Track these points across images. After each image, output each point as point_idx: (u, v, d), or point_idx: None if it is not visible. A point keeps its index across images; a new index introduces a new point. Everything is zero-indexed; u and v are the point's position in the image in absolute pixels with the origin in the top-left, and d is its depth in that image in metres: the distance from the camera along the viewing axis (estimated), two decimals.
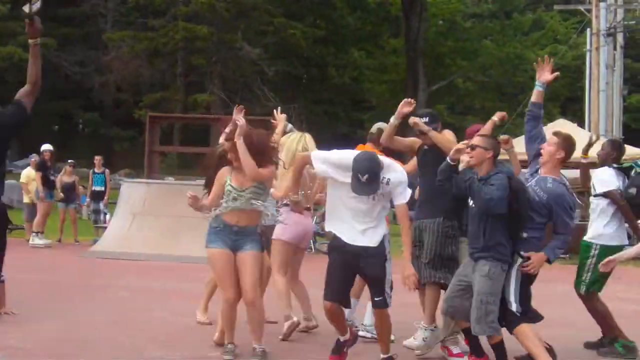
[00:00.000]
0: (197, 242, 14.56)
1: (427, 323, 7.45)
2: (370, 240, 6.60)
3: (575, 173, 19.29)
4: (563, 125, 20.70)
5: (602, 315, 7.87)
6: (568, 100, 46.05)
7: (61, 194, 18.51)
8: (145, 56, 38.42)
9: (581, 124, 26.45)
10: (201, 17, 36.45)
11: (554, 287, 11.51)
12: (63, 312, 9.21)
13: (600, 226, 7.86)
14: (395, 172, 6.60)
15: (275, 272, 8.07)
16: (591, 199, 8.11)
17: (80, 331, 8.12)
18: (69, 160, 20.04)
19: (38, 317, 8.76)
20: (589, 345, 8.01)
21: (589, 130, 24.59)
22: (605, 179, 7.94)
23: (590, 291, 7.84)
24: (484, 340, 6.97)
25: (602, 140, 22.17)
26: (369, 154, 6.60)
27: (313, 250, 18.13)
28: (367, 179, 6.26)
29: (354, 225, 6.60)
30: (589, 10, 27.29)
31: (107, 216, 18.95)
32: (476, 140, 6.91)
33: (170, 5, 37.38)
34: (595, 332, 8.49)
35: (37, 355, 7.13)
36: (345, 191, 6.49)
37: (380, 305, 6.64)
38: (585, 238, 7.99)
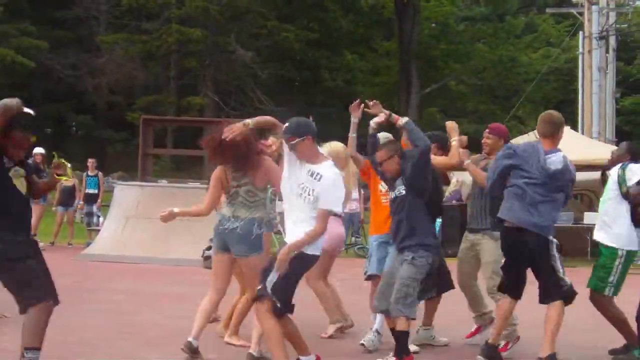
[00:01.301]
0: (190, 245, 14.67)
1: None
2: None
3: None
4: None
5: (619, 320, 7.67)
6: (560, 103, 46.06)
7: (54, 208, 18.56)
8: (138, 59, 38.38)
9: (574, 127, 26.48)
10: (194, 20, 36.46)
11: None
12: (56, 315, 9.15)
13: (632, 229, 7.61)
14: (329, 172, 6.25)
15: (316, 279, 8.21)
16: (608, 199, 7.79)
17: (73, 334, 8.12)
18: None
19: None
20: (614, 352, 7.78)
21: (582, 133, 24.66)
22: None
23: (615, 294, 7.67)
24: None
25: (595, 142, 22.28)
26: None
27: None
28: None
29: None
30: (581, 14, 27.36)
31: (100, 219, 18.93)
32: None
33: (164, 8, 37.36)
34: (592, 333, 8.54)
35: None
36: None
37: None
38: (609, 243, 7.68)
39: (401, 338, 7.00)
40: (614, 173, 7.73)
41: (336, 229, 8.23)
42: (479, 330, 8.16)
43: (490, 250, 7.74)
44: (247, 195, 6.98)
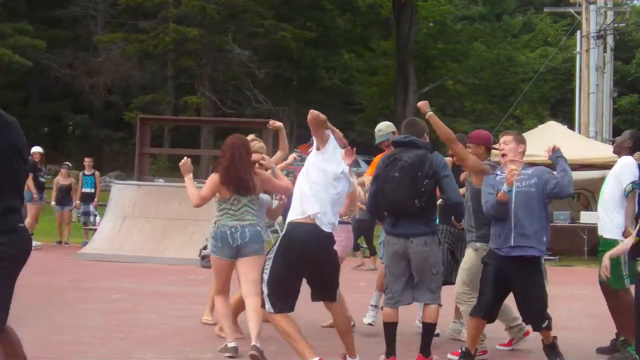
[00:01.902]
0: (186, 244, 14.69)
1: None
2: None
3: None
4: (553, 127, 20.76)
5: (629, 312, 7.31)
6: (558, 102, 46.23)
7: (53, 202, 18.64)
8: (135, 58, 38.33)
9: (571, 126, 26.53)
10: (191, 19, 36.37)
11: None
12: (53, 314, 9.19)
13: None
14: None
15: None
16: (608, 190, 7.71)
17: (70, 333, 8.11)
18: (65, 163, 20.01)
19: (28, 319, 8.73)
20: (602, 351, 7.78)
21: (579, 133, 24.68)
22: (634, 170, 7.59)
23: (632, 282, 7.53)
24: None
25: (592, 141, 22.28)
26: None
27: None
28: None
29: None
30: (579, 13, 27.36)
31: (97, 218, 18.91)
32: None
33: (161, 7, 37.25)
34: (586, 334, 8.52)
35: (28, 357, 7.09)
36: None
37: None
38: (609, 235, 7.58)
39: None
40: (624, 165, 7.64)
41: (349, 235, 9.17)
42: (511, 342, 7.98)
43: (467, 256, 7.74)
44: (250, 203, 7.43)
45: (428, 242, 6.86)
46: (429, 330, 6.99)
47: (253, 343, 6.89)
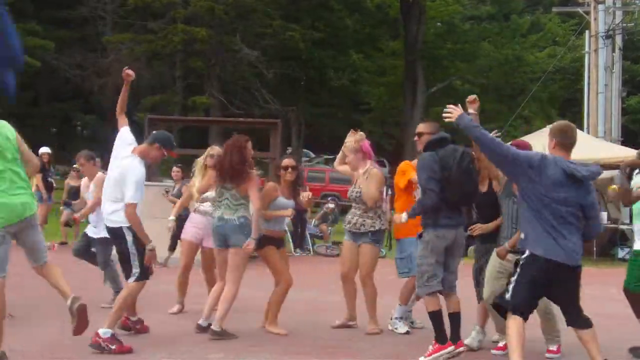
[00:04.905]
0: None
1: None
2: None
3: None
4: None
5: None
6: (567, 102, 46.15)
7: (62, 207, 18.71)
8: (144, 59, 38.38)
9: (580, 126, 26.46)
10: (200, 20, 36.44)
11: None
12: (60, 314, 9.19)
13: None
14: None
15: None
16: None
17: None
18: (74, 166, 20.06)
19: (35, 319, 8.76)
20: (634, 350, 7.68)
21: (588, 132, 24.62)
22: None
23: None
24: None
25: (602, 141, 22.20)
26: None
27: (311, 252, 18.27)
28: None
29: None
30: (588, 12, 27.30)
31: None
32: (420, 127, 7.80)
33: (169, 8, 37.33)
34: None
35: (35, 357, 7.13)
36: None
37: None
38: None
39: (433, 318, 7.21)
40: None
41: None
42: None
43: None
44: (232, 198, 8.17)
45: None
46: (457, 318, 7.23)
47: (199, 322, 8.47)
